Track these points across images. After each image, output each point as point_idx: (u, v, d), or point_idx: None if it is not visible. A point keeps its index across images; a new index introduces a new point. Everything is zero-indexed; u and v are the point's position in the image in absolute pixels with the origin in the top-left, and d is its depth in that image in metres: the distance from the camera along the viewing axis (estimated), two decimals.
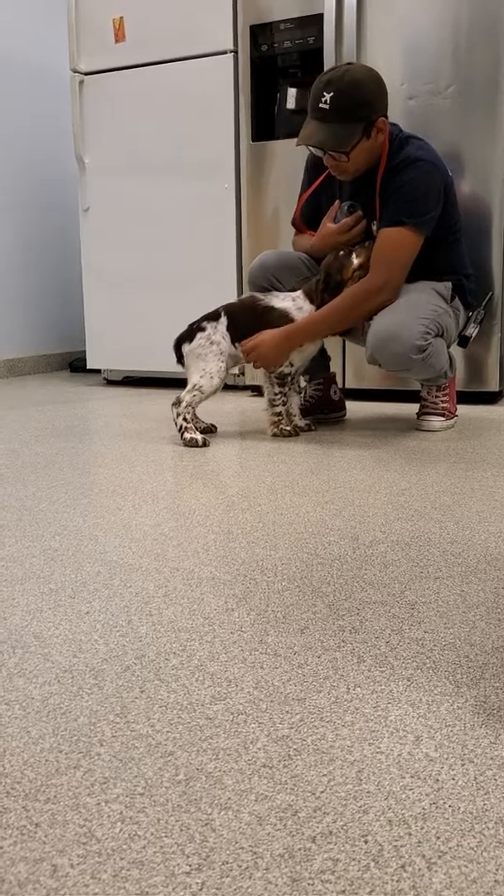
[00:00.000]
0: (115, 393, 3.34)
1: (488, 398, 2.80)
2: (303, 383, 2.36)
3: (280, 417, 2.26)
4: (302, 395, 2.48)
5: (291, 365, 2.23)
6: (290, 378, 2.24)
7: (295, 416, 2.33)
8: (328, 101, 2.05)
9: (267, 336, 2.17)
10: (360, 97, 2.06)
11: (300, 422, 2.33)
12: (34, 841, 0.62)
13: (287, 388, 2.26)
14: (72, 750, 0.74)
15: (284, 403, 2.26)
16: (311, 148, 2.17)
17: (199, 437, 2.16)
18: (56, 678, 0.88)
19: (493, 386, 2.75)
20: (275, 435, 2.25)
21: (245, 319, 2.21)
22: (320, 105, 2.07)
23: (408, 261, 2.15)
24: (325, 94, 2.05)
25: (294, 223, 2.48)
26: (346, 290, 2.16)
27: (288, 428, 2.26)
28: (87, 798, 0.67)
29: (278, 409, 2.26)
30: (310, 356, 2.29)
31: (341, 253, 2.19)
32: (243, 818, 0.64)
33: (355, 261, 2.18)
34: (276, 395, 2.25)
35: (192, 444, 2.15)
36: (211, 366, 2.19)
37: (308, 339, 2.20)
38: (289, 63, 2.96)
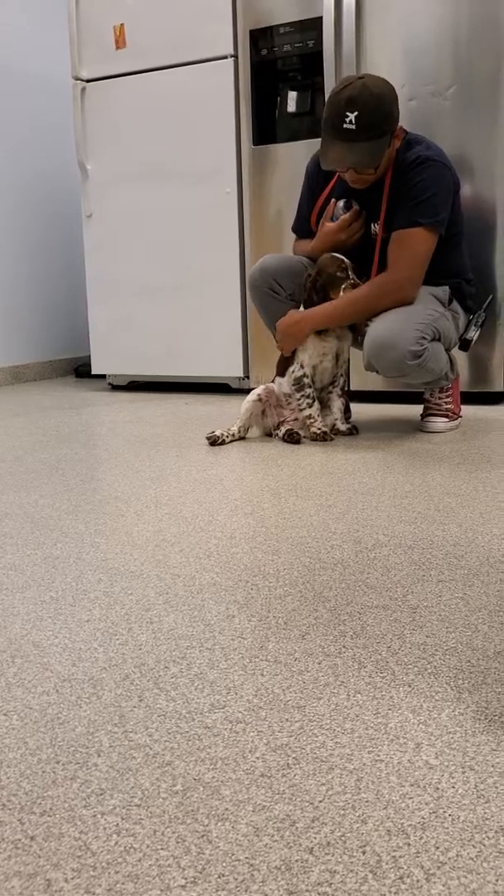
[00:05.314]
0: (120, 398, 3.34)
1: (493, 398, 2.78)
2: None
3: (312, 420, 2.26)
4: None
5: (302, 367, 2.23)
6: (305, 381, 2.24)
7: (337, 419, 2.33)
8: (354, 122, 2.00)
9: (284, 319, 2.24)
10: (385, 111, 2.03)
11: (341, 425, 2.32)
12: (29, 855, 0.62)
13: (309, 391, 2.26)
14: (69, 761, 0.74)
15: (310, 405, 2.26)
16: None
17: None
18: (55, 688, 0.88)
19: (498, 386, 2.74)
20: (313, 438, 2.25)
21: None
22: (345, 126, 2.01)
23: (426, 259, 2.14)
24: (348, 113, 2.00)
25: (294, 229, 2.47)
26: (368, 282, 2.17)
27: (318, 431, 2.25)
28: (83, 810, 0.67)
29: (306, 412, 2.26)
30: (337, 366, 2.30)
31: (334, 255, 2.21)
32: (240, 829, 0.64)
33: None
34: (298, 399, 2.26)
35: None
36: None
37: (320, 326, 2.21)
38: (289, 67, 2.96)
